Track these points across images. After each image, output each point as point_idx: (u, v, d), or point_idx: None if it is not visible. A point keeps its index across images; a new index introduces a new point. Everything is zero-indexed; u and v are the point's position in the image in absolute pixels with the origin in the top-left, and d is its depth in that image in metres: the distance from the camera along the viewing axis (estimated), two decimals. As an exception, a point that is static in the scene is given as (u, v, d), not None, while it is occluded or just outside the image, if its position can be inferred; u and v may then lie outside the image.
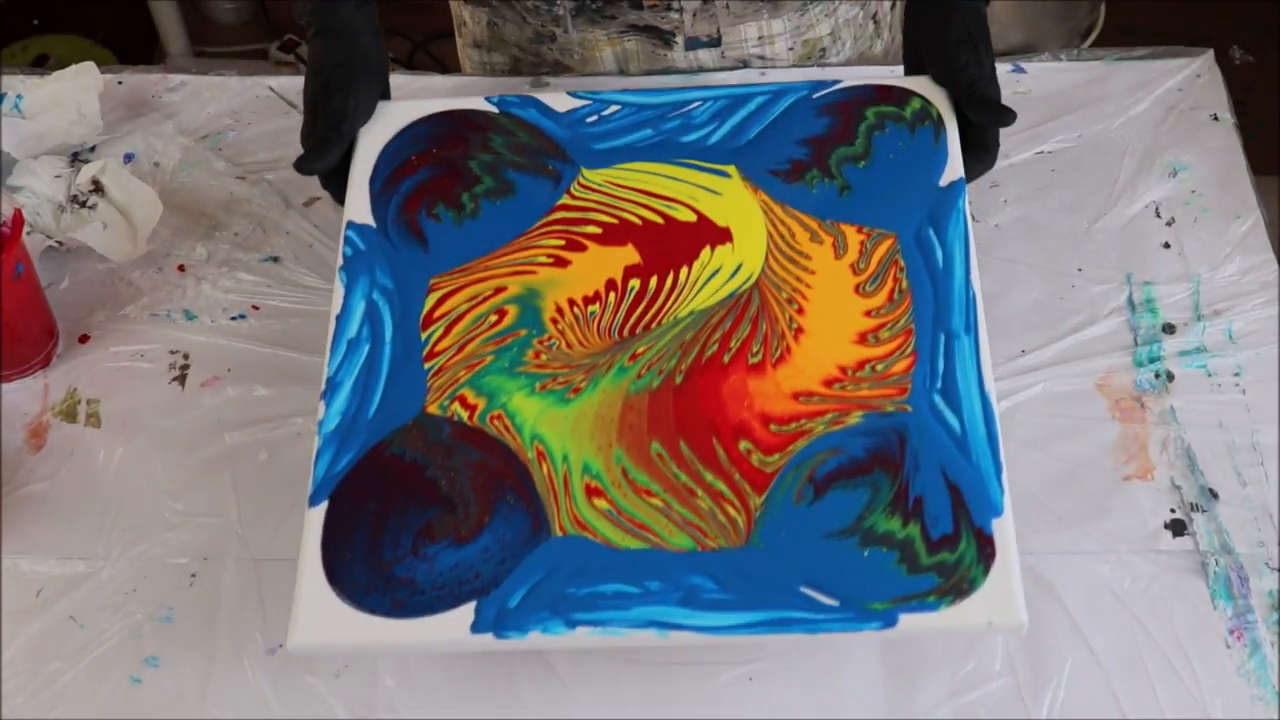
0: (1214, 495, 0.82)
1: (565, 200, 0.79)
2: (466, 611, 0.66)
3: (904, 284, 0.74)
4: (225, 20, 2.17)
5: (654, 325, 0.73)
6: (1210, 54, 1.04)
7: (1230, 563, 0.80)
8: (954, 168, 0.78)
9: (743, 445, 0.70)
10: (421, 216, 0.78)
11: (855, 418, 0.70)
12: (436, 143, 0.81)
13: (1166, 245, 0.93)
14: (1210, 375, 0.87)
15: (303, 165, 0.80)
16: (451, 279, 0.77)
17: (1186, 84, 1.02)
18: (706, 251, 0.76)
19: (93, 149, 1.00)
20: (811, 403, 0.71)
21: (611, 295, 0.75)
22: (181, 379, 0.88)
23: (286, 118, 1.02)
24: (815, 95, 0.82)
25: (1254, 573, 0.79)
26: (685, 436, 0.70)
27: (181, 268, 0.94)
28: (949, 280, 0.74)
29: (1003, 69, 1.03)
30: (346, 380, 0.73)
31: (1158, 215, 0.95)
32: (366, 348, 0.75)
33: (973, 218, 0.95)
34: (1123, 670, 0.76)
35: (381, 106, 0.83)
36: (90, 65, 1.00)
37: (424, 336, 0.75)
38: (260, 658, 0.77)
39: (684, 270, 0.75)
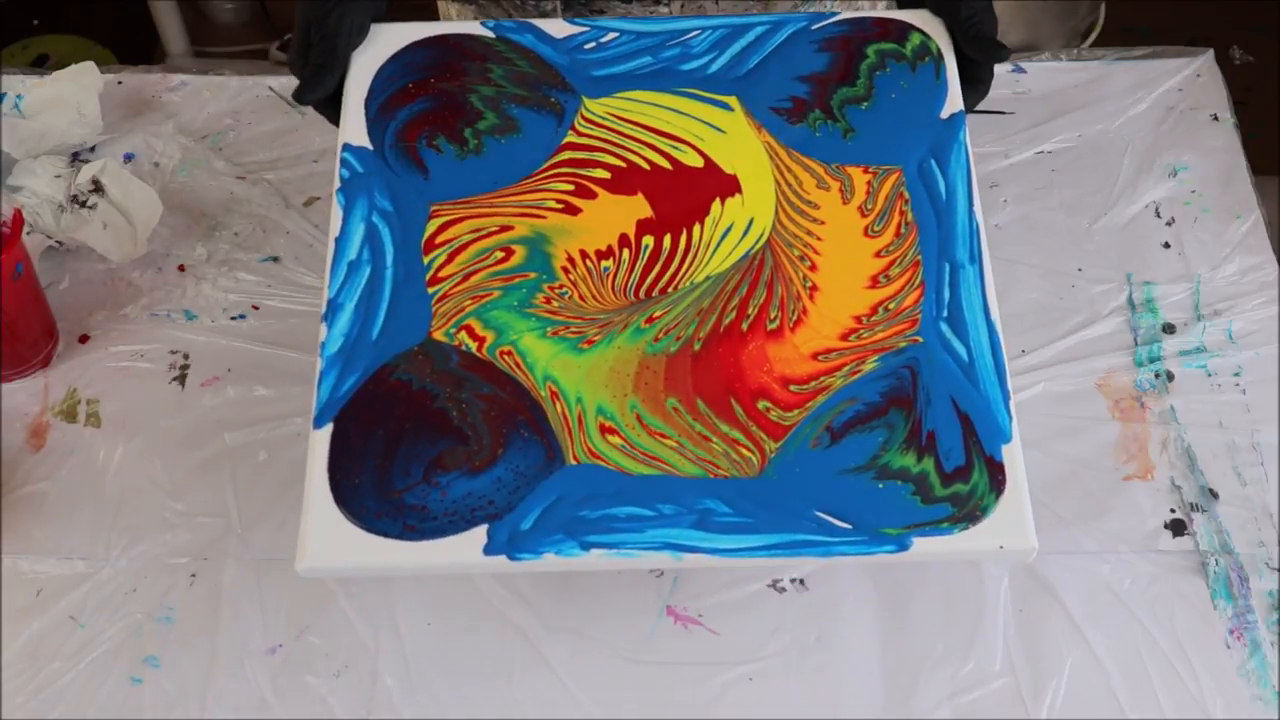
0: (1214, 495, 0.82)
1: (571, 138, 0.79)
2: (479, 534, 0.66)
3: (910, 216, 0.75)
4: (225, 20, 2.17)
5: (670, 289, 0.74)
6: (1210, 54, 1.04)
7: (1230, 563, 0.80)
8: (954, 101, 0.78)
9: (761, 404, 0.70)
10: (421, 146, 0.78)
11: (871, 363, 0.71)
12: (434, 71, 0.80)
13: (1166, 245, 0.93)
14: (1210, 375, 0.87)
15: (302, 96, 0.79)
16: (454, 208, 0.76)
17: (1186, 84, 1.02)
18: (717, 205, 0.76)
19: (93, 149, 1.00)
20: (830, 359, 0.71)
21: (625, 252, 0.75)
22: (181, 379, 0.88)
23: (287, 118, 1.02)
24: (814, 27, 0.82)
25: (1254, 573, 0.79)
26: (703, 396, 0.71)
27: (181, 268, 0.94)
28: (952, 211, 0.75)
29: (1003, 69, 1.03)
30: (348, 302, 0.73)
31: (1158, 215, 0.95)
32: (368, 269, 0.74)
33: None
34: (1123, 670, 0.76)
35: (375, 28, 0.82)
36: (90, 65, 0.99)
37: (426, 261, 0.75)
38: (260, 658, 0.77)
39: (696, 228, 0.75)
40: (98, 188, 0.93)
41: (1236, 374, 0.87)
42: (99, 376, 0.88)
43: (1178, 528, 0.81)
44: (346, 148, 0.78)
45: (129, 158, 0.99)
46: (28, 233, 0.89)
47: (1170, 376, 0.87)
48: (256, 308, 0.91)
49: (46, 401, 0.87)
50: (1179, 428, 0.85)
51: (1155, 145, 0.99)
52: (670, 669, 0.77)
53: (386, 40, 0.82)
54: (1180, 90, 1.02)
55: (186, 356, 0.89)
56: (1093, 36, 1.90)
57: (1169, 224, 0.95)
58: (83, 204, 0.92)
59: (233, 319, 0.91)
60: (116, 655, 0.77)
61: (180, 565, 0.80)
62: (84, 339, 0.90)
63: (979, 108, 0.82)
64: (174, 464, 0.84)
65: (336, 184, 0.76)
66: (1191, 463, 0.83)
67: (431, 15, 1.01)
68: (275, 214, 0.96)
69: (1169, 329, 0.89)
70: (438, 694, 0.76)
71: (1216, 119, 1.00)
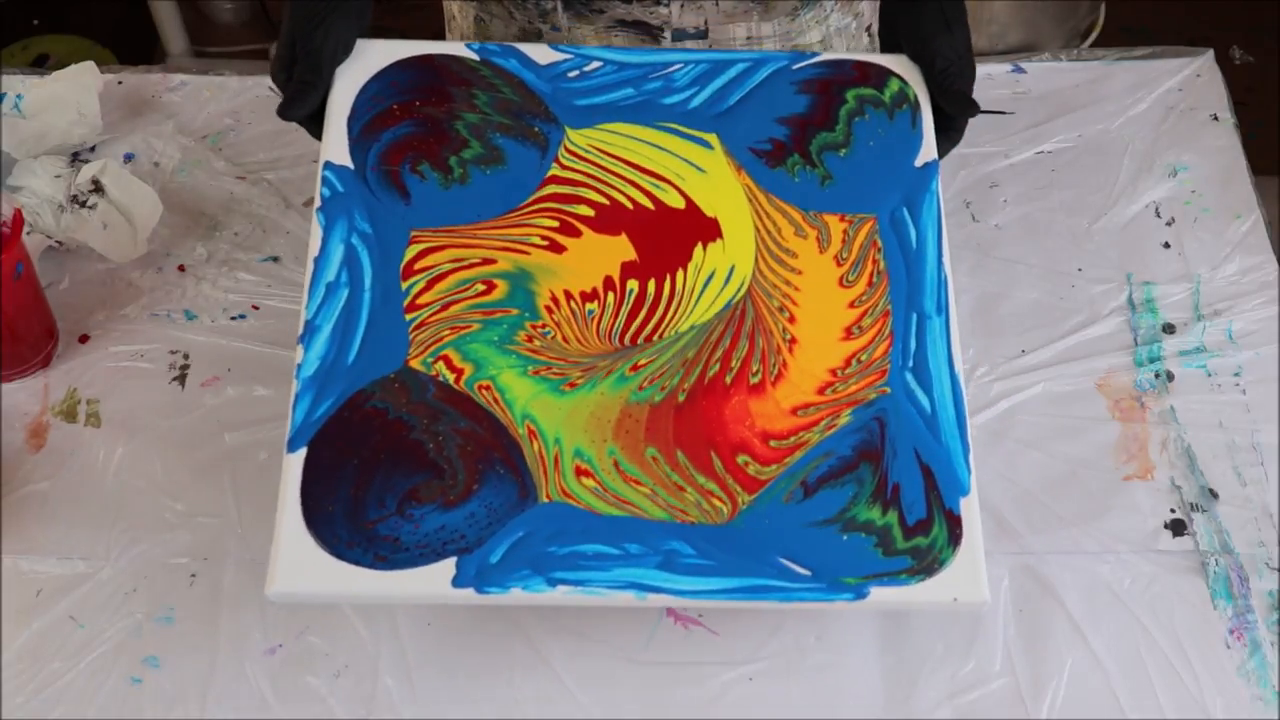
0: (1214, 495, 0.82)
1: (555, 171, 0.79)
2: (448, 566, 0.67)
3: (881, 265, 0.76)
4: (225, 20, 2.17)
5: (655, 337, 0.74)
6: (1210, 54, 1.04)
7: (1230, 563, 0.80)
8: (928, 149, 0.79)
9: (741, 459, 0.71)
10: (405, 171, 0.78)
11: (845, 417, 0.72)
12: (418, 94, 0.80)
13: (1166, 245, 0.93)
14: (1210, 375, 0.87)
15: (286, 112, 0.78)
16: (435, 235, 0.76)
17: (1186, 84, 1.02)
18: (699, 251, 0.76)
19: (93, 149, 1.00)
20: (808, 414, 0.72)
21: (610, 296, 0.75)
22: (181, 379, 0.88)
23: (286, 118, 1.02)
24: (794, 67, 0.82)
25: (1254, 573, 0.79)
26: (683, 448, 0.71)
27: (181, 268, 0.94)
28: (921, 261, 0.76)
29: (1003, 69, 1.03)
30: (325, 325, 0.73)
31: (1158, 215, 0.95)
32: (345, 292, 0.74)
33: (972, 218, 0.95)
34: (1123, 670, 0.76)
35: (359, 44, 0.82)
36: (90, 65, 0.99)
37: (404, 286, 0.74)
38: (260, 658, 0.77)
39: (680, 274, 0.76)
40: (98, 188, 0.93)
41: (1236, 374, 0.87)
42: (99, 376, 0.88)
43: (1178, 528, 0.81)
44: (328, 166, 0.77)
45: (129, 158, 0.99)
46: (28, 233, 0.89)
47: (1170, 376, 0.87)
48: (256, 308, 0.91)
49: (46, 401, 0.87)
50: (1179, 428, 0.85)
51: (1155, 145, 0.99)
52: (670, 669, 0.77)
53: (371, 57, 0.81)
54: (1180, 90, 1.02)
55: (186, 356, 0.89)
56: (1093, 36, 1.90)
57: (1169, 224, 0.95)
58: (83, 204, 0.92)
59: (233, 319, 0.91)
60: (116, 655, 0.77)
61: (180, 565, 0.80)
62: (84, 339, 0.90)
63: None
64: (174, 464, 0.84)
65: (317, 203, 0.76)
66: (1191, 463, 0.83)
67: (434, 12, 1.01)
68: (275, 214, 0.96)
69: (1169, 329, 0.89)
70: (438, 694, 0.76)
71: (1216, 119, 1.00)
